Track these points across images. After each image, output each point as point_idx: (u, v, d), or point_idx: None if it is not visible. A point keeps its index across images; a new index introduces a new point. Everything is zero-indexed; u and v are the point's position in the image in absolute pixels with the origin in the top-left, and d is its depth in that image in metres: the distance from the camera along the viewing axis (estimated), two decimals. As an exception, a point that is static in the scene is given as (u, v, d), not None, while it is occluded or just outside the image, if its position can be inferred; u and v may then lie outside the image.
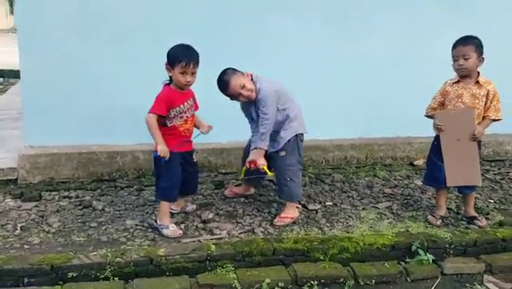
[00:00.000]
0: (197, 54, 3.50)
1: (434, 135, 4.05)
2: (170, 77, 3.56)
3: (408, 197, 4.55)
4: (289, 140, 3.87)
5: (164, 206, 3.64)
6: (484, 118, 3.83)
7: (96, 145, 4.72)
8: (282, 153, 3.89)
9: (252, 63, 3.89)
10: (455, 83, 3.87)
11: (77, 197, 4.25)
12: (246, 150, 4.09)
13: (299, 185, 4.00)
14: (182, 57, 3.42)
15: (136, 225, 3.76)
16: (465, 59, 3.72)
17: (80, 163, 4.63)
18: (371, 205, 4.33)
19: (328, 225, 3.91)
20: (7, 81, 10.69)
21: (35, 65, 4.45)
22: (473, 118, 3.79)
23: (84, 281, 3.04)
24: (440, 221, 4.00)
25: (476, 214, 4.07)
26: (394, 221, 4.03)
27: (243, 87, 3.74)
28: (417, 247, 3.51)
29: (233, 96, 3.83)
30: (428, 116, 4.02)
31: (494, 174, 5.29)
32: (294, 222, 3.90)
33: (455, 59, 3.76)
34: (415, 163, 5.50)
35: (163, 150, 3.44)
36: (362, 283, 3.22)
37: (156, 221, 3.69)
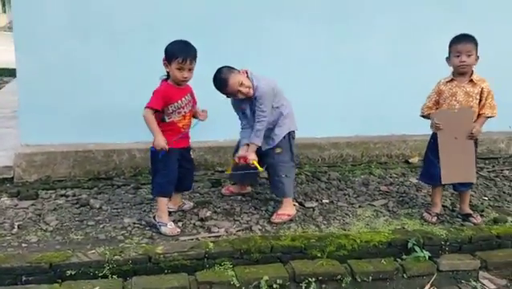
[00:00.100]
0: (195, 50, 3.51)
1: (429, 133, 4.09)
2: (168, 72, 3.57)
3: (404, 195, 4.58)
4: (284, 137, 3.91)
5: (162, 203, 3.64)
6: (479, 116, 3.87)
7: (93, 144, 4.71)
8: (278, 150, 3.93)
9: (251, 62, 3.91)
10: (449, 81, 3.89)
11: (74, 195, 4.25)
12: (237, 146, 4.13)
13: (292, 182, 4.05)
14: (179, 53, 3.43)
15: (134, 223, 3.76)
16: (468, 56, 3.75)
17: (77, 161, 4.63)
18: (368, 203, 4.36)
19: (325, 222, 3.94)
20: (1, 80, 10.63)
21: (31, 64, 4.43)
22: (472, 117, 3.83)
23: (83, 279, 3.03)
24: (436, 218, 4.03)
25: (471, 212, 4.11)
26: (390, 218, 4.06)
27: (241, 84, 3.76)
28: (413, 244, 3.53)
29: (232, 94, 3.84)
30: (423, 116, 4.04)
31: (488, 172, 5.33)
32: (291, 220, 3.92)
33: (457, 54, 3.77)
34: (410, 161, 5.53)
35: (159, 144, 3.45)
36: (359, 280, 3.24)
37: (154, 218, 3.69)
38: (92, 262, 3.12)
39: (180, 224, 3.76)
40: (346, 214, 4.10)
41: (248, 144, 3.86)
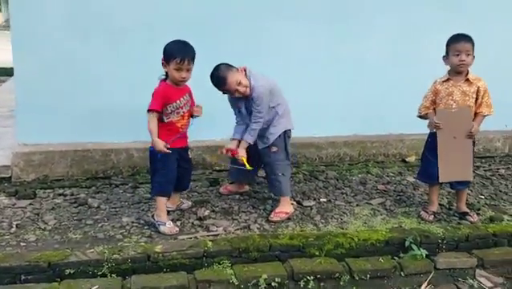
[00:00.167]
0: (193, 50, 3.52)
1: (426, 132, 4.11)
2: (166, 72, 3.58)
3: (401, 194, 4.61)
4: (279, 136, 3.93)
5: (161, 203, 3.65)
6: (476, 114, 3.89)
7: (91, 143, 4.71)
8: (274, 149, 3.94)
9: (251, 62, 3.92)
10: (445, 81, 3.91)
11: (72, 194, 4.25)
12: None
13: (288, 180, 4.07)
14: (177, 53, 3.44)
15: (132, 222, 3.77)
16: (467, 55, 3.77)
17: (74, 161, 4.63)
18: (365, 202, 4.38)
19: (323, 221, 3.95)
20: (-3, 79, 10.59)
21: (29, 63, 4.43)
22: (471, 116, 3.86)
23: (82, 278, 3.04)
24: (433, 216, 4.05)
25: (467, 210, 4.13)
26: (387, 217, 4.08)
27: (239, 83, 3.77)
28: (411, 242, 3.55)
29: (229, 92, 3.86)
30: (420, 117, 4.06)
31: (485, 171, 5.36)
32: (289, 218, 3.93)
33: (456, 53, 3.78)
34: (407, 160, 5.56)
35: (158, 148, 3.48)
36: (357, 278, 3.26)
37: (153, 217, 3.70)
38: (91, 261, 3.13)
39: (178, 223, 3.77)
40: (343, 213, 4.12)
41: (239, 140, 3.89)
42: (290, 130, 4.04)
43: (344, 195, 4.51)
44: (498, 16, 5.55)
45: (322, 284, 3.21)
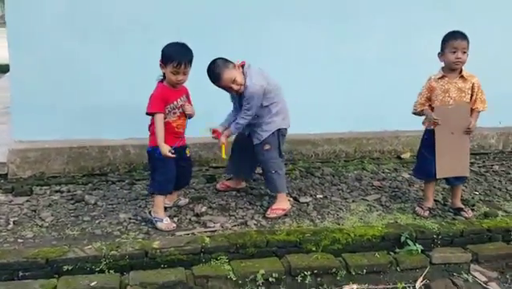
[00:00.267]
0: (191, 53, 3.52)
1: (420, 129, 4.14)
2: (164, 74, 3.59)
3: (396, 190, 4.64)
4: (273, 133, 3.93)
5: (159, 199, 3.67)
6: (472, 111, 3.92)
7: (87, 140, 4.71)
8: (267, 147, 3.95)
9: (249, 61, 3.92)
10: (440, 78, 3.92)
11: (69, 191, 4.26)
12: (235, 141, 4.23)
13: (283, 177, 4.07)
14: (175, 57, 3.45)
15: (130, 218, 3.78)
16: (463, 53, 3.79)
17: (71, 157, 4.63)
18: (361, 198, 4.41)
19: (319, 217, 3.98)
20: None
21: (25, 60, 4.43)
22: (469, 112, 3.89)
23: (79, 274, 3.05)
24: (428, 212, 4.09)
25: (462, 206, 4.16)
26: (383, 212, 4.11)
27: (234, 81, 3.77)
28: (406, 238, 3.58)
29: (223, 88, 3.87)
30: (415, 113, 4.08)
31: (479, 167, 5.40)
32: (285, 215, 3.96)
33: (453, 51, 3.79)
34: (402, 156, 5.59)
35: (164, 152, 3.49)
36: (353, 273, 3.28)
37: (150, 213, 3.72)
38: (89, 257, 3.14)
39: (175, 219, 3.79)
40: (340, 209, 4.15)
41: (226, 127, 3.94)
42: (285, 129, 4.03)
43: (340, 191, 4.54)
44: (493, 15, 5.58)
45: (319, 279, 3.23)
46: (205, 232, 3.61)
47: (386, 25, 5.27)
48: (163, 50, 3.51)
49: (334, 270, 3.27)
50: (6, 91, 4.67)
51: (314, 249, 3.47)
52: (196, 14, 4.72)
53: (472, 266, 3.51)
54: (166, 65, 3.48)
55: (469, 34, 3.85)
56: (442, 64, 3.95)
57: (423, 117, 4.06)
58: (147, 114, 3.56)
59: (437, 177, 4.02)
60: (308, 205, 4.20)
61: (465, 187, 4.69)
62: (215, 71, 3.78)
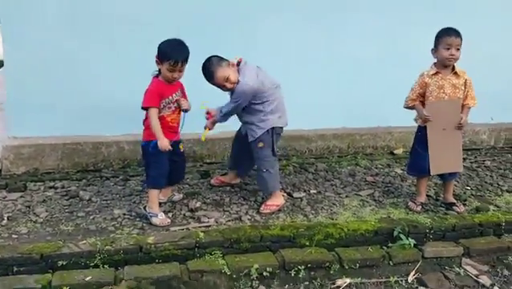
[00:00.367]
0: (188, 51, 3.53)
1: (413, 125, 4.17)
2: (159, 69, 3.59)
3: (389, 185, 4.67)
4: (267, 132, 3.91)
5: (153, 194, 3.68)
6: (463, 106, 3.95)
7: (81, 136, 4.71)
8: (260, 144, 3.94)
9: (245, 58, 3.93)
10: (434, 74, 3.93)
11: (63, 187, 4.26)
12: (236, 138, 4.25)
13: (275, 176, 4.03)
14: (171, 55, 3.46)
15: (124, 214, 3.79)
16: (457, 50, 3.82)
17: (65, 153, 4.63)
18: (354, 193, 4.44)
19: (313, 212, 4.00)
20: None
21: (20, 56, 4.40)
22: (460, 107, 3.92)
23: (74, 269, 3.06)
24: (421, 207, 4.12)
25: (454, 201, 4.20)
26: (376, 207, 4.14)
27: (227, 79, 3.77)
28: (399, 232, 3.62)
29: (216, 86, 3.88)
30: (407, 108, 4.10)
31: (471, 162, 5.45)
32: (279, 210, 3.98)
33: (447, 47, 3.81)
34: (395, 152, 5.63)
35: (163, 145, 3.49)
36: (347, 267, 3.32)
37: (144, 209, 3.73)
38: (84, 252, 3.15)
39: (170, 215, 3.80)
40: (333, 204, 4.17)
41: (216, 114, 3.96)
42: (280, 127, 4.00)
43: (334, 187, 4.57)
44: (488, 13, 5.60)
45: (312, 273, 3.26)
46: (200, 227, 3.62)
47: (379, 22, 5.27)
48: (160, 47, 3.51)
49: (327, 264, 3.30)
50: (0, 87, 4.65)
51: (307, 243, 3.49)
52: (195, 13, 4.69)
53: (463, 259, 3.56)
54: (162, 62, 3.50)
55: (464, 31, 3.87)
56: (434, 60, 3.97)
57: (415, 113, 4.09)
58: (142, 108, 3.57)
59: (432, 174, 4.05)
60: (302, 200, 4.22)
61: (457, 182, 4.73)
62: (209, 69, 3.79)
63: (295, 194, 4.31)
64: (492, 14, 5.64)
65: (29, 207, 3.86)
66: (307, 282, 3.21)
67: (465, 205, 4.25)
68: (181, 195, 4.12)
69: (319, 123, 5.41)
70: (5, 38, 4.39)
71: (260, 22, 4.92)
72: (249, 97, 3.80)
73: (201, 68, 3.82)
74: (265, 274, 3.16)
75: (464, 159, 5.40)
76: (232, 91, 3.86)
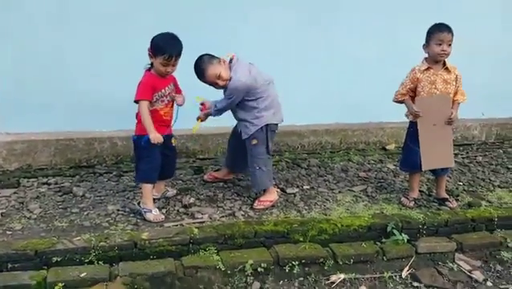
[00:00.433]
0: (181, 45, 3.52)
1: (405, 120, 4.18)
2: (151, 63, 3.58)
3: (382, 181, 4.70)
4: (261, 128, 3.91)
5: (147, 190, 3.67)
6: (453, 102, 3.98)
7: (74, 132, 4.69)
8: (254, 142, 3.94)
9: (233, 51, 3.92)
10: (425, 70, 3.94)
11: (56, 183, 4.24)
12: (232, 135, 4.24)
13: (268, 174, 4.02)
14: (166, 50, 3.45)
15: (118, 210, 3.78)
16: (449, 46, 3.84)
17: (58, 149, 4.61)
18: (347, 189, 4.46)
19: (306, 208, 4.02)
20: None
21: (9, 51, 4.38)
22: (450, 103, 3.94)
23: (69, 265, 3.06)
24: (413, 203, 4.15)
25: (447, 196, 4.24)
26: (369, 203, 4.17)
27: (219, 77, 3.77)
28: (392, 228, 3.64)
29: (208, 84, 3.87)
30: (396, 102, 4.11)
31: (463, 158, 5.49)
32: (273, 206, 3.99)
33: (439, 43, 3.83)
34: (387, 147, 5.66)
35: (155, 137, 3.49)
36: (341, 263, 3.34)
37: (139, 204, 3.73)
38: (78, 248, 3.15)
39: (164, 211, 3.79)
40: (326, 200, 4.19)
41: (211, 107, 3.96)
42: (275, 124, 4.00)
43: (327, 182, 4.59)
44: (480, 11, 5.64)
45: (307, 269, 3.28)
46: (194, 223, 3.62)
47: (372, 20, 5.30)
48: (153, 41, 3.50)
49: (321, 260, 3.32)
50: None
51: (301, 239, 3.51)
52: (187, 8, 4.69)
53: (456, 255, 3.59)
54: (156, 56, 3.48)
55: (454, 23, 3.89)
56: (425, 55, 3.99)
57: (406, 110, 4.10)
58: (135, 102, 3.55)
59: (423, 170, 4.08)
60: (295, 196, 4.23)
61: (450, 178, 4.76)
62: (200, 67, 3.79)
63: (288, 190, 4.32)
64: (486, 8, 5.69)
65: (22, 203, 3.84)
66: (302, 278, 3.23)
67: (457, 200, 4.28)
68: (175, 191, 4.12)
69: (312, 118, 5.43)
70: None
71: (253, 18, 4.91)
72: (243, 93, 3.79)
73: (191, 63, 3.80)
74: (259, 269, 3.17)
75: (456, 154, 5.46)
76: (225, 88, 3.86)
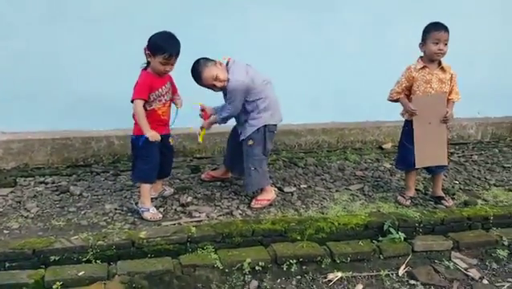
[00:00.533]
0: (179, 44, 3.53)
1: (402, 119, 4.20)
2: (148, 62, 3.58)
3: (379, 179, 4.72)
4: (258, 130, 3.91)
5: (145, 189, 3.68)
6: (448, 101, 4.00)
7: (71, 131, 4.69)
8: (250, 142, 3.94)
9: (228, 52, 3.94)
10: (421, 68, 3.95)
11: (53, 182, 4.24)
12: (230, 137, 4.25)
13: (263, 174, 4.01)
14: (166, 49, 3.45)
15: (115, 209, 3.79)
16: (445, 45, 3.85)
17: (54, 148, 4.61)
18: (344, 187, 4.47)
19: (304, 206, 4.03)
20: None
21: (4, 49, 4.37)
22: (445, 102, 3.97)
23: (66, 264, 3.06)
24: (410, 201, 4.17)
25: (443, 195, 4.25)
26: (366, 202, 4.18)
27: (216, 78, 3.77)
28: (389, 226, 3.65)
29: (206, 87, 3.87)
30: (391, 100, 4.13)
31: (459, 157, 5.51)
32: (270, 204, 4.00)
33: (436, 42, 3.84)
34: (383, 146, 5.68)
35: (153, 136, 3.49)
36: (338, 261, 3.34)
37: (136, 204, 3.73)
38: (76, 247, 3.15)
39: (161, 210, 3.80)
40: (323, 198, 4.21)
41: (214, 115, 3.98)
42: (273, 125, 3.99)
43: (324, 181, 4.60)
44: (476, 10, 5.66)
45: (304, 267, 3.28)
46: (191, 222, 3.63)
47: (370, 19, 5.33)
48: (152, 40, 3.49)
49: (319, 258, 3.32)
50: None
51: (299, 238, 3.52)
52: (183, 6, 4.69)
53: (453, 253, 3.60)
54: (155, 55, 3.48)
55: (451, 26, 3.90)
56: (421, 54, 4.00)
57: (402, 109, 4.12)
58: (132, 102, 3.55)
59: (416, 167, 4.09)
60: (292, 194, 4.25)
61: (446, 176, 4.78)
62: (197, 71, 3.79)
63: (286, 189, 4.33)
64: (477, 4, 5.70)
65: (20, 202, 3.84)
66: (299, 277, 3.24)
67: (453, 199, 4.30)
68: (172, 190, 4.13)
69: (309, 118, 5.44)
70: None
71: (250, 17, 4.93)
72: (243, 93, 3.79)
73: (189, 63, 3.80)
74: (257, 268, 3.18)
75: (452, 153, 5.49)
76: (224, 92, 3.86)
